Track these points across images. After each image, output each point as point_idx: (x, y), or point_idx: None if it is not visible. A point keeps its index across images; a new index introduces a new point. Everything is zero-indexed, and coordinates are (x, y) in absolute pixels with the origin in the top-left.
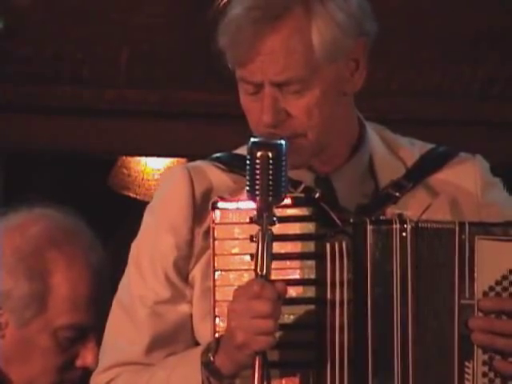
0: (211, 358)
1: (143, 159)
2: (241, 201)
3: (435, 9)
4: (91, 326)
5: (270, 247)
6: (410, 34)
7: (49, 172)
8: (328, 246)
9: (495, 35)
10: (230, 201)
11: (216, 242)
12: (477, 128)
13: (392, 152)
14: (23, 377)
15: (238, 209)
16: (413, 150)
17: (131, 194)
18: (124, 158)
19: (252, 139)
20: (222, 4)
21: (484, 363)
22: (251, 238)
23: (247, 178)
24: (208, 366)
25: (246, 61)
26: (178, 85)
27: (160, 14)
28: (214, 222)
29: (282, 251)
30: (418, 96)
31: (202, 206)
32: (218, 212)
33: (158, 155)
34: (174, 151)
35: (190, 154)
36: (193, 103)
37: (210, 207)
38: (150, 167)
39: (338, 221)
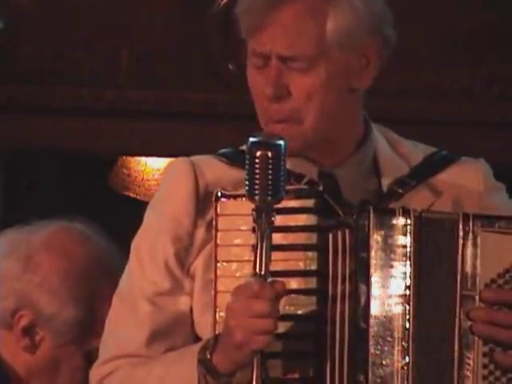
0: (208, 356)
1: (143, 159)
2: (244, 192)
3: (435, 9)
4: None
5: (268, 246)
6: (410, 34)
7: (49, 172)
8: (330, 237)
9: (495, 35)
10: (233, 192)
11: (219, 233)
12: (477, 128)
13: (396, 152)
14: None
15: (241, 200)
16: (416, 151)
17: (131, 194)
18: (124, 158)
19: (251, 138)
20: (222, 4)
21: (484, 355)
22: (254, 230)
23: (246, 177)
24: (205, 364)
25: (257, 30)
26: (178, 85)
27: (160, 13)
28: (216, 213)
29: (284, 242)
30: (417, 96)
31: (205, 198)
32: (220, 203)
33: (158, 155)
34: (174, 151)
35: (190, 154)
36: (193, 103)
37: (213, 198)
38: (150, 167)
39: (340, 212)
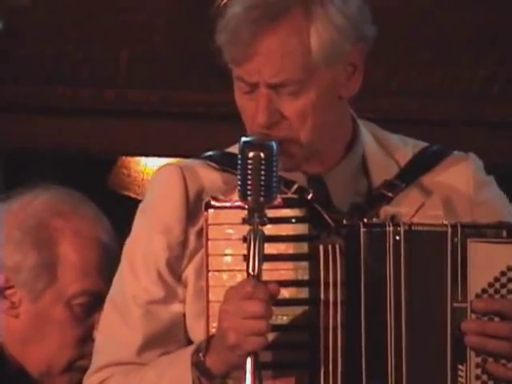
0: (202, 358)
1: (143, 159)
2: (234, 201)
3: (435, 9)
4: (104, 293)
5: (261, 247)
6: (410, 33)
7: (49, 172)
8: (321, 247)
9: (495, 35)
10: (223, 201)
11: (209, 243)
12: (477, 128)
13: (384, 150)
14: (42, 355)
15: (230, 209)
16: (405, 148)
17: (131, 194)
18: (124, 158)
19: (243, 139)
20: (222, 3)
21: (477, 366)
22: (244, 239)
23: (238, 178)
24: (198, 366)
25: (243, 60)
26: (178, 85)
27: (160, 13)
28: (207, 222)
29: (275, 252)
30: (418, 96)
31: (195, 205)
32: (211, 212)
33: (158, 155)
34: (174, 151)
35: (190, 154)
36: (193, 103)
37: (203, 207)
38: (150, 167)
39: (331, 222)
